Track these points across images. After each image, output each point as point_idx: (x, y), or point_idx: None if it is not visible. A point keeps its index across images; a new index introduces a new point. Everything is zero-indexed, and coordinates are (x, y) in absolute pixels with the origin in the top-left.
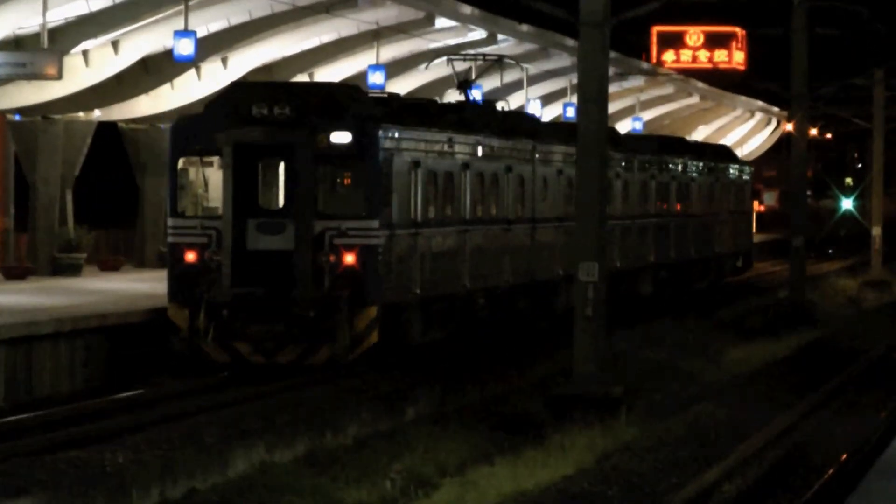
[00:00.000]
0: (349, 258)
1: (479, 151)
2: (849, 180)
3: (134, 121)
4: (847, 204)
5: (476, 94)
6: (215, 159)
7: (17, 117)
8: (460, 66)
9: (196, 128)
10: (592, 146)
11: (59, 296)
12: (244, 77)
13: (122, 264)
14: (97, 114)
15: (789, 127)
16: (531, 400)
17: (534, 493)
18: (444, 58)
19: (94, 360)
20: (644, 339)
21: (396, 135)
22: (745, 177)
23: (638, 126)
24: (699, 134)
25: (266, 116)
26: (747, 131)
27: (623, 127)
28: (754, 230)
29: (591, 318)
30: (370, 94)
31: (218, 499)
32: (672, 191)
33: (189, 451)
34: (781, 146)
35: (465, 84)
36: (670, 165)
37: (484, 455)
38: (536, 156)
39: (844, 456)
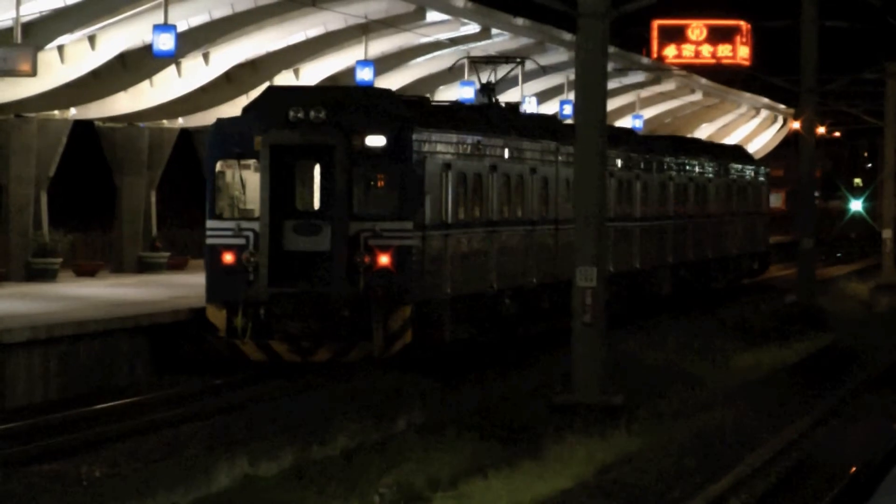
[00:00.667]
0: (384, 259)
1: (506, 153)
2: (858, 180)
3: (111, 119)
4: (856, 205)
5: (469, 93)
6: (252, 162)
7: None
8: (456, 60)
9: (234, 131)
10: (591, 145)
11: (33, 302)
12: (227, 73)
13: (100, 269)
14: (73, 112)
15: (796, 125)
16: (531, 407)
17: None
18: (445, 51)
19: (70, 368)
20: (652, 341)
21: (429, 137)
22: (761, 178)
23: (638, 124)
24: (702, 132)
25: (302, 120)
26: (752, 129)
27: (623, 125)
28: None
29: (590, 324)
30: (402, 98)
31: None
32: (690, 192)
33: (170, 463)
34: (788, 145)
35: (487, 87)
36: (687, 167)
37: (478, 467)
38: (559, 157)
39: (854, 468)
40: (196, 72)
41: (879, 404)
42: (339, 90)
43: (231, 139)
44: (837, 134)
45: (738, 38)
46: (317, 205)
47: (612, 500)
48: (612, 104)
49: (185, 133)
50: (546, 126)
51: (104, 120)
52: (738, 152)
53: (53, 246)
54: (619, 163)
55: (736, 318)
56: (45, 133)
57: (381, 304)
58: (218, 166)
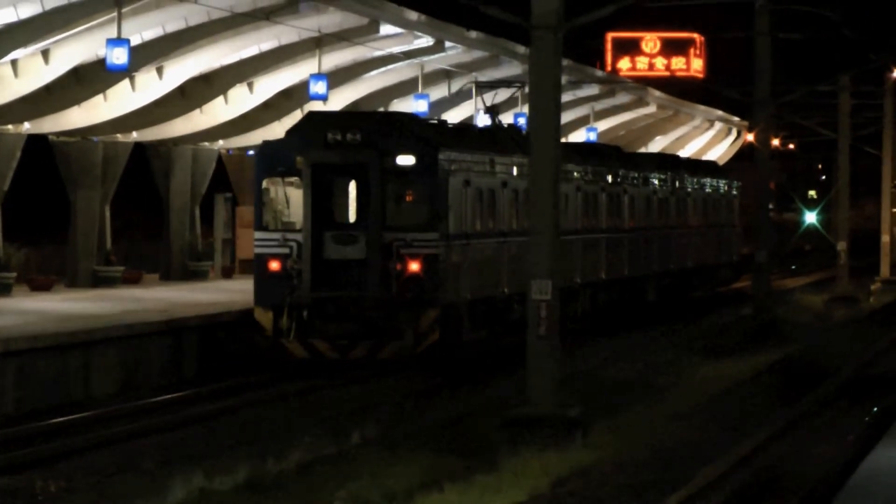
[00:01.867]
0: (414, 266)
1: (514, 171)
2: (813, 193)
3: (65, 133)
4: (811, 217)
5: (423, 106)
6: (295, 179)
7: None
8: (463, 84)
9: (278, 152)
10: (545, 158)
11: None
12: (181, 86)
13: (55, 283)
14: (27, 126)
15: (751, 137)
16: (488, 420)
17: None
18: (399, 64)
19: (25, 383)
20: (613, 353)
21: (451, 157)
22: (734, 191)
23: (592, 137)
24: (656, 145)
25: (340, 141)
26: (706, 142)
27: (577, 138)
28: None
29: (545, 336)
30: (426, 121)
31: None
32: (672, 205)
33: (126, 477)
34: (742, 157)
35: (492, 109)
36: (669, 181)
37: (433, 480)
38: (588, 177)
39: (812, 479)
40: (150, 86)
41: (836, 416)
42: (372, 115)
43: (275, 159)
44: (792, 146)
45: (692, 51)
46: (353, 217)
47: None
48: (567, 117)
49: (139, 147)
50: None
51: (58, 134)
52: (712, 167)
53: (7, 260)
54: (609, 178)
55: (697, 330)
56: None
57: (411, 307)
58: (264, 183)
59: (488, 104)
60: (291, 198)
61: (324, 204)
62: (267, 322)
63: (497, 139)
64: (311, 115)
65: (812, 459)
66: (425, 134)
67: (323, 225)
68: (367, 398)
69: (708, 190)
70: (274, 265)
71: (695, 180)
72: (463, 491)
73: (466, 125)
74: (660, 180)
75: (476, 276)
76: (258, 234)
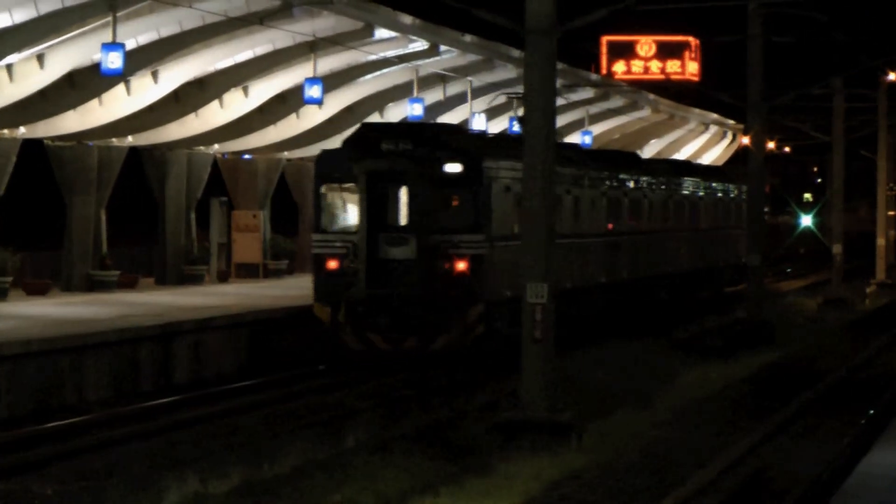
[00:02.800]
0: (461, 265)
1: (567, 179)
2: (808, 196)
3: (60, 138)
4: (806, 220)
5: (418, 110)
6: (350, 185)
7: None
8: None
9: (335, 160)
10: (539, 162)
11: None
12: (175, 91)
13: (50, 288)
14: (22, 130)
15: (745, 140)
16: (479, 424)
17: None
18: (393, 68)
19: (18, 387)
20: (608, 356)
21: (494, 165)
22: (742, 195)
23: (587, 140)
24: (651, 148)
25: (392, 150)
26: (701, 145)
27: (572, 141)
28: None
29: (540, 340)
30: (469, 131)
31: None
32: (686, 208)
33: (119, 481)
34: (737, 160)
35: (523, 119)
36: (683, 186)
37: (427, 485)
38: (585, 181)
39: (805, 485)
40: (145, 90)
41: (828, 420)
42: (421, 126)
43: (333, 166)
44: (787, 149)
45: (686, 54)
46: (404, 221)
47: None
48: (562, 120)
49: (134, 151)
50: (572, 154)
51: (53, 139)
52: (720, 172)
53: (3, 265)
54: (630, 185)
55: (691, 333)
56: None
57: (459, 302)
58: (322, 189)
59: (520, 114)
60: (348, 203)
61: (378, 208)
62: (325, 316)
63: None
64: (366, 126)
65: (804, 463)
66: (470, 144)
67: (377, 228)
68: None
69: (719, 194)
70: (332, 264)
71: (708, 185)
72: (454, 493)
73: (505, 135)
74: (674, 185)
75: (515, 275)
76: (316, 236)
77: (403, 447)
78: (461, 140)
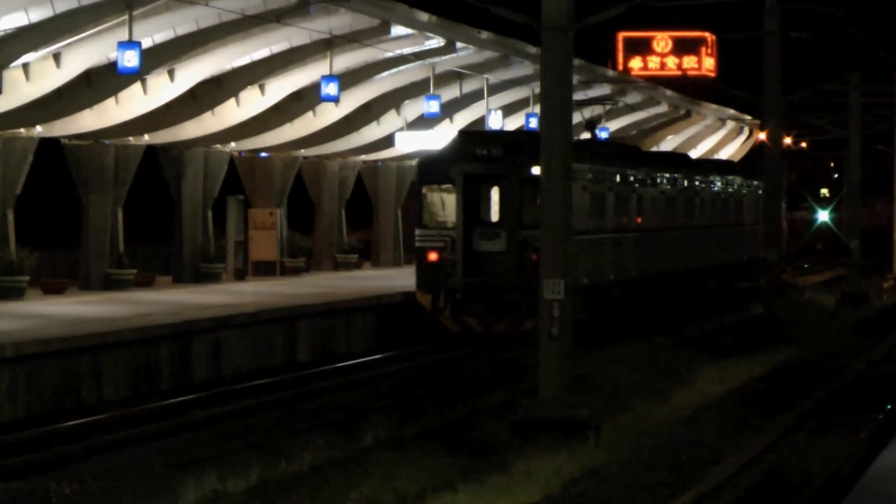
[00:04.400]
0: None
1: (617, 178)
2: (825, 191)
3: (77, 137)
4: (823, 216)
5: (434, 107)
6: (448, 186)
7: None
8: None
9: (435, 164)
10: (557, 158)
11: (3, 321)
12: (191, 89)
13: (67, 286)
14: (39, 130)
15: (762, 136)
16: (495, 423)
17: None
18: (410, 66)
19: (37, 387)
20: (627, 353)
21: (573, 167)
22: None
23: (604, 136)
24: (668, 144)
25: (485, 156)
26: (718, 141)
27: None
28: None
29: (557, 337)
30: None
31: None
32: (718, 204)
33: (137, 480)
34: (754, 156)
35: (591, 124)
36: (715, 182)
37: (446, 482)
38: (648, 181)
39: (821, 480)
40: (161, 89)
41: (845, 416)
42: (511, 134)
43: (433, 170)
44: (804, 145)
45: (703, 50)
46: (495, 217)
47: None
48: (578, 117)
49: (150, 150)
50: (637, 156)
51: (70, 137)
52: (743, 168)
53: (20, 264)
54: (666, 184)
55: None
56: (11, 151)
57: None
58: (424, 189)
59: (586, 118)
60: (446, 201)
61: (472, 207)
62: (426, 303)
63: (600, 153)
64: (462, 133)
65: (822, 459)
66: None
67: (472, 224)
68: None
69: (751, 189)
70: (432, 256)
71: (749, 182)
72: (473, 490)
73: (580, 142)
74: (709, 182)
75: (590, 265)
76: (419, 231)
77: (420, 445)
78: None
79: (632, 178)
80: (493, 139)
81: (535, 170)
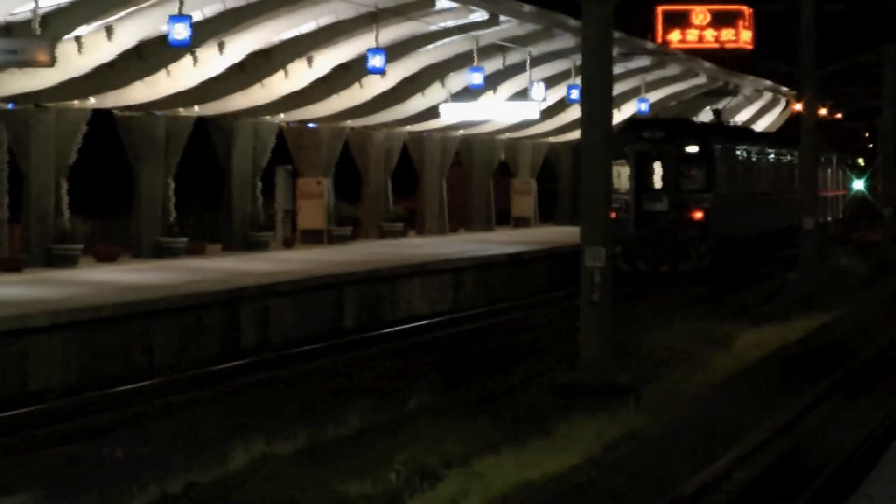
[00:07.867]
0: (698, 214)
1: (747, 154)
2: (860, 160)
3: (129, 108)
4: (858, 185)
5: (478, 79)
6: (622, 161)
7: (10, 106)
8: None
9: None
10: (597, 129)
11: (57, 287)
12: (241, 61)
13: (120, 254)
14: (91, 101)
15: (798, 107)
16: (537, 390)
17: (539, 482)
18: (454, 38)
19: (87, 354)
20: (658, 321)
21: (719, 146)
22: (834, 160)
23: (644, 108)
24: (706, 115)
25: (651, 137)
26: (755, 112)
27: (629, 109)
28: None
29: (598, 303)
30: (700, 123)
31: (218, 493)
32: (785, 173)
33: (186, 444)
34: (791, 127)
35: (718, 112)
36: (786, 154)
37: (490, 445)
38: (770, 156)
39: (851, 447)
40: (211, 61)
41: (881, 381)
42: (668, 121)
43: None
44: (839, 115)
45: (740, 23)
46: (658, 185)
47: (620, 473)
48: (618, 88)
49: (201, 121)
50: (751, 134)
51: (122, 109)
52: (794, 140)
53: (73, 232)
54: (772, 157)
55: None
56: (64, 122)
57: (696, 240)
58: None
59: (717, 108)
60: (621, 173)
61: (641, 177)
62: None
63: (733, 133)
64: (633, 120)
65: (855, 424)
66: (702, 131)
67: (641, 190)
68: None
69: (822, 160)
70: (611, 215)
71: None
72: (516, 454)
73: (724, 125)
74: (781, 154)
75: (732, 221)
76: None
77: (464, 411)
78: (697, 128)
79: (757, 154)
80: (656, 124)
81: (690, 148)
